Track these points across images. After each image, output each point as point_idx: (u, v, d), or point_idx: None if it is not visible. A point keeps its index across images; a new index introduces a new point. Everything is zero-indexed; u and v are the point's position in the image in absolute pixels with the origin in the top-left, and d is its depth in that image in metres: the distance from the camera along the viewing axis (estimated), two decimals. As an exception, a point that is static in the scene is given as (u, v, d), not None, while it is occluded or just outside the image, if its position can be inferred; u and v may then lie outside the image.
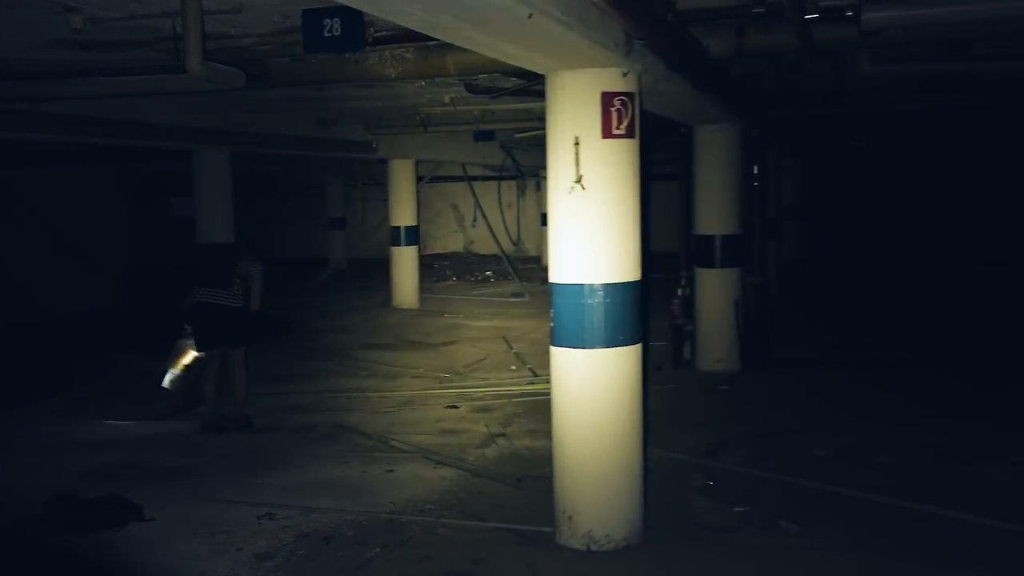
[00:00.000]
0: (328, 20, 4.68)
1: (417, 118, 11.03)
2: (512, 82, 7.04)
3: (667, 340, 9.32)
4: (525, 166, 18.25)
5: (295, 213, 23.24)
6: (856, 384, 8.29)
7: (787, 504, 5.27)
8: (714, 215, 8.94)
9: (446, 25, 3.30)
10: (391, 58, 5.56)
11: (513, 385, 8.45)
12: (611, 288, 4.55)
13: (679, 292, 9.13)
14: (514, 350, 10.16)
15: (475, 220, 21.94)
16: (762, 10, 4.84)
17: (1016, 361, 8.90)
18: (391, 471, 6.10)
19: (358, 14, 4.62)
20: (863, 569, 4.42)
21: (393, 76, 5.66)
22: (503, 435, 6.88)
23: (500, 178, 21.65)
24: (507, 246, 22.61)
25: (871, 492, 5.40)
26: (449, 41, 3.68)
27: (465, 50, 4.77)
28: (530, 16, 3.18)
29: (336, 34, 4.69)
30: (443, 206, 23.77)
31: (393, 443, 6.72)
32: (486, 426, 7.12)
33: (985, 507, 5.08)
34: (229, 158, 10.87)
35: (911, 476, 5.75)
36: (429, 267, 19.12)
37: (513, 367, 9.34)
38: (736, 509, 5.21)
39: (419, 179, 15.56)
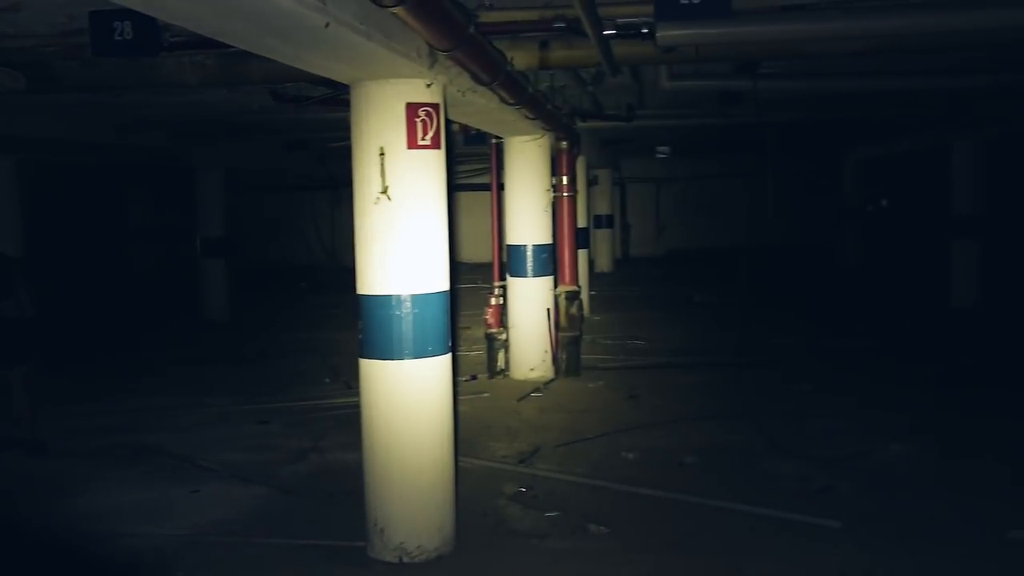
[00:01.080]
0: (119, 23, 4.47)
1: (225, 126, 10.72)
2: (320, 91, 6.94)
3: (482, 349, 9.40)
4: (342, 176, 18.01)
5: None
6: (665, 386, 8.58)
7: (597, 507, 5.40)
8: (525, 225, 9.09)
9: (241, 33, 3.22)
10: (190, 64, 5.38)
11: (327, 398, 8.31)
12: (419, 299, 4.54)
13: (492, 302, 9.22)
14: (329, 362, 10.00)
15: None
16: (563, 25, 4.96)
17: (806, 362, 9.47)
18: (196, 491, 5.88)
19: (151, 18, 4.45)
20: (665, 566, 4.57)
21: (193, 83, 5.47)
22: (315, 449, 6.75)
23: (315, 188, 21.33)
24: (322, 257, 22.29)
25: (676, 492, 5.60)
26: (247, 49, 3.58)
27: (270, 58, 4.68)
28: (327, 26, 3.14)
29: (128, 38, 4.49)
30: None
31: (200, 462, 6.48)
32: (298, 441, 6.97)
33: (779, 502, 5.37)
34: (15, 165, 10.25)
35: (713, 475, 5.99)
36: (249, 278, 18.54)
37: (327, 380, 9.19)
38: (547, 514, 5.29)
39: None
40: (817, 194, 22.77)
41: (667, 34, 4.74)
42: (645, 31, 4.90)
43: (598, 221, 18.63)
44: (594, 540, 4.92)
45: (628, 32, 4.97)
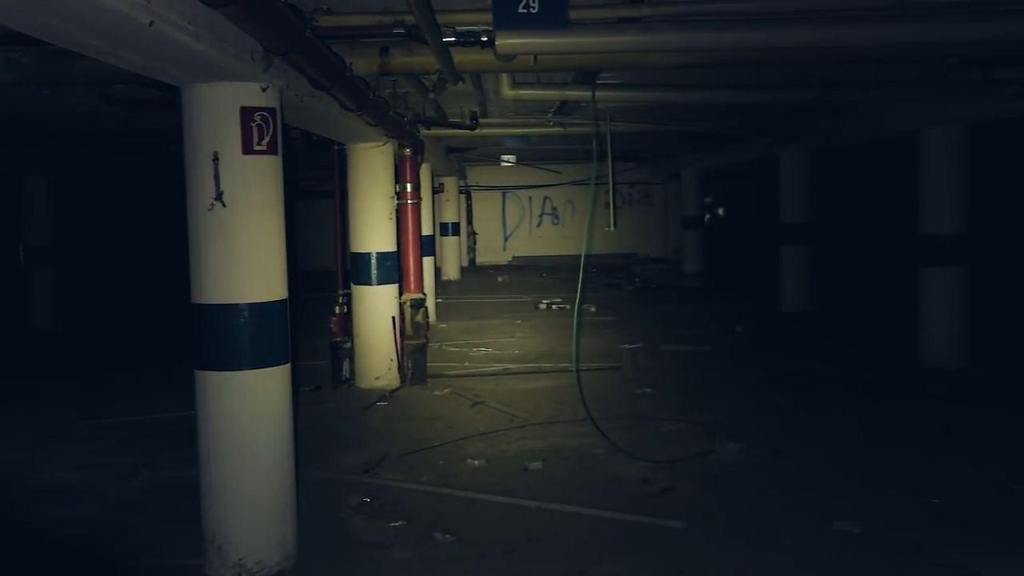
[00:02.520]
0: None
1: (51, 130, 10.19)
2: (151, 93, 6.68)
3: (327, 359, 9.24)
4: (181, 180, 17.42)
5: None
6: (512, 392, 8.64)
7: (442, 515, 5.38)
8: (369, 233, 9.00)
9: (57, 30, 3.04)
10: (5, 61, 5.07)
11: (164, 412, 7.99)
12: (256, 308, 4.42)
13: (337, 310, 9.08)
14: (169, 374, 9.62)
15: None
16: (403, 31, 4.93)
17: (648, 366, 9.71)
18: (17, 516, 5.55)
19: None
20: (508, 571, 4.59)
21: (8, 82, 5.16)
22: (150, 465, 6.48)
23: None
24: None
25: (521, 497, 5.64)
26: (65, 47, 3.39)
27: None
28: (151, 24, 3.02)
29: (-68, 32, 4.19)
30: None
31: (24, 483, 6.13)
32: (132, 457, 6.68)
33: (622, 504, 5.48)
34: None
35: (557, 479, 6.06)
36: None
37: (165, 392, 8.84)
38: (393, 524, 5.24)
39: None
40: (656, 203, 23.54)
41: (506, 42, 4.77)
42: (485, 39, 4.92)
43: (444, 229, 18.67)
44: (440, 548, 4.90)
45: (468, 40, 4.99)
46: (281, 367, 4.59)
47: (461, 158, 18.39)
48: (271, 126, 4.42)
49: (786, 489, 5.74)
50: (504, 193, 23.51)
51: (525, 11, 4.62)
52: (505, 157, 18.39)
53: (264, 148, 4.40)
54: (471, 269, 21.89)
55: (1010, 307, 12.43)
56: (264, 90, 4.37)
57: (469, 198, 23.10)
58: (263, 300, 4.44)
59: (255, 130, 4.34)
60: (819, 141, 11.92)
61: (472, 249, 23.33)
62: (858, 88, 7.44)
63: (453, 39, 5.00)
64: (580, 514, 5.36)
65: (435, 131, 10.45)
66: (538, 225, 23.75)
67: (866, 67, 7.03)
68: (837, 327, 12.09)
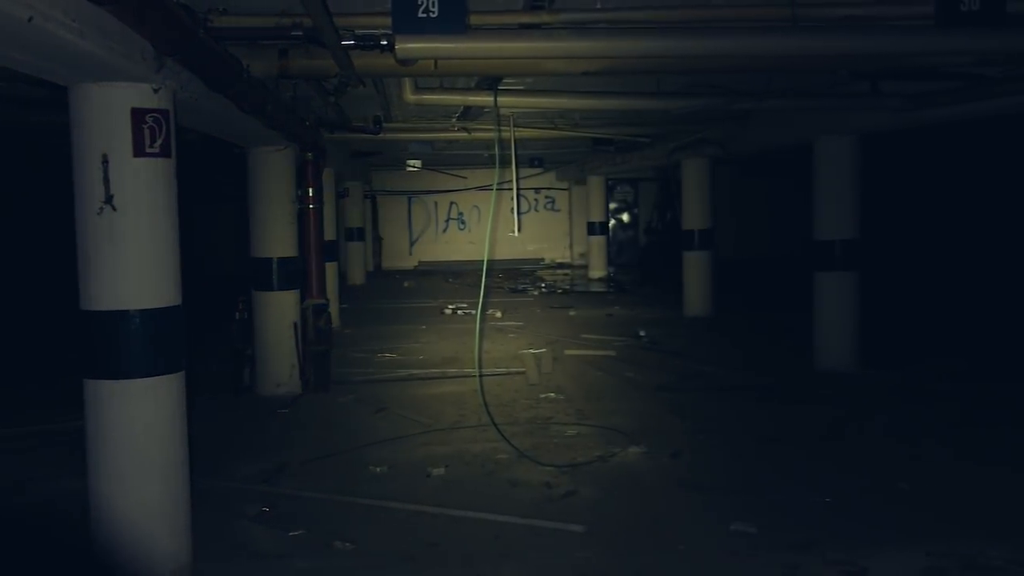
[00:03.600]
0: None
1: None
2: (40, 93, 6.47)
3: (228, 365, 9.06)
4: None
5: None
6: (415, 398, 8.59)
7: (343, 523, 5.31)
8: (270, 238, 8.85)
9: (-74, 24, 2.91)
10: None
11: (52, 423, 7.71)
12: (148, 314, 4.30)
13: (237, 316, 8.91)
14: (62, 385, 9.30)
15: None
16: (300, 33, 4.87)
17: (553, 371, 9.76)
18: None
19: None
20: (411, 579, 4.58)
21: None
22: (34, 479, 6.25)
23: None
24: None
25: (423, 504, 5.60)
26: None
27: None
28: (30, 20, 2.91)
29: None
30: None
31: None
32: (17, 471, 6.43)
33: (524, 509, 5.49)
34: None
35: (460, 485, 6.04)
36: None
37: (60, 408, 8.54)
38: (291, 533, 5.15)
39: None
40: (562, 209, 23.75)
41: (405, 47, 4.74)
42: (384, 43, 4.89)
43: (349, 234, 18.51)
44: (339, 557, 4.83)
45: (367, 43, 4.94)
46: (174, 375, 4.48)
47: (366, 163, 18.25)
48: (164, 128, 4.31)
49: (686, 491, 5.83)
50: (410, 198, 23.44)
51: (424, 15, 4.60)
52: (410, 162, 18.31)
53: (157, 151, 4.29)
54: (377, 274, 21.73)
55: (900, 311, 12.89)
56: (156, 91, 4.26)
57: (375, 203, 22.95)
58: (155, 306, 4.32)
59: (147, 132, 4.23)
60: (717, 149, 12.17)
61: (378, 254, 23.18)
62: (752, 97, 7.61)
63: (352, 42, 4.95)
64: (482, 519, 5.35)
65: (338, 135, 10.35)
66: (444, 230, 23.75)
67: (761, 77, 7.20)
68: (738, 331, 12.35)
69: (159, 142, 4.29)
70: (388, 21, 4.77)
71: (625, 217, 23.53)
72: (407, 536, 5.12)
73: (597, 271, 20.23)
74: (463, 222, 23.68)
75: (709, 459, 6.52)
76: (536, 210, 23.76)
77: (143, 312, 4.29)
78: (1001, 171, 18.82)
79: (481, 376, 8.58)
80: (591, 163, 19.13)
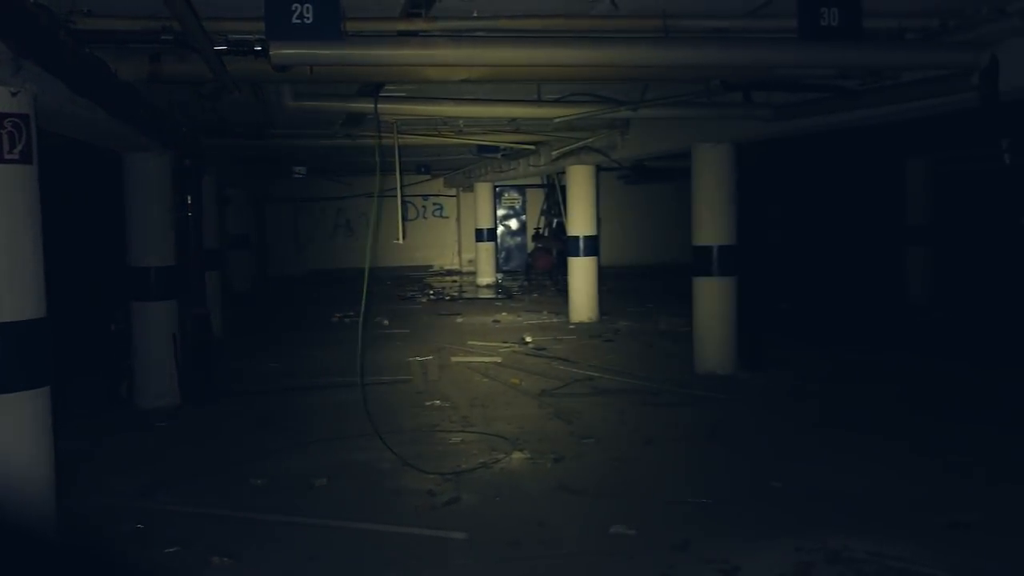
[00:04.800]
0: None
1: None
2: None
3: (105, 379, 8.78)
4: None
5: None
6: (300, 409, 8.49)
7: (222, 539, 5.18)
8: (148, 246, 8.60)
9: None
10: None
11: None
12: (7, 327, 4.14)
13: (112, 327, 8.63)
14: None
15: None
16: (171, 38, 4.75)
17: (440, 377, 9.74)
18: None
19: None
20: (289, 593, 4.51)
21: None
22: None
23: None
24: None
25: (304, 515, 5.52)
26: None
27: None
28: None
29: None
30: None
31: None
32: None
33: (407, 518, 5.47)
34: None
35: (343, 495, 5.98)
36: None
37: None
38: (167, 551, 5.01)
39: None
40: (450, 216, 23.80)
41: (280, 52, 4.68)
42: (258, 48, 4.81)
43: (234, 241, 18.13)
44: (217, 573, 4.73)
45: (241, 48, 4.86)
46: (39, 390, 4.32)
47: (251, 169, 17.89)
48: (24, 133, 4.16)
49: (568, 495, 5.89)
50: (297, 205, 23.11)
51: (299, 21, 4.55)
52: (296, 168, 18.08)
53: (16, 157, 4.14)
54: (264, 281, 21.34)
55: (776, 313, 13.31)
56: (14, 95, 4.11)
57: (262, 210, 22.54)
58: (13, 319, 4.16)
59: (5, 138, 4.08)
60: (599, 157, 12.36)
61: (265, 261, 22.77)
62: (630, 106, 7.76)
63: (225, 47, 4.86)
64: (365, 530, 5.31)
65: (219, 141, 10.15)
66: (332, 236, 23.48)
67: (637, 87, 7.36)
68: (623, 336, 12.55)
69: (19, 148, 4.14)
70: (262, 26, 4.70)
71: (513, 223, 23.68)
72: (288, 549, 5.04)
73: (485, 277, 20.30)
74: (351, 228, 23.47)
75: (591, 463, 6.60)
76: (424, 217, 23.72)
77: (2, 326, 4.13)
78: (868, 178, 19.64)
79: (366, 385, 8.50)
80: (478, 169, 19.21)
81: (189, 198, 8.86)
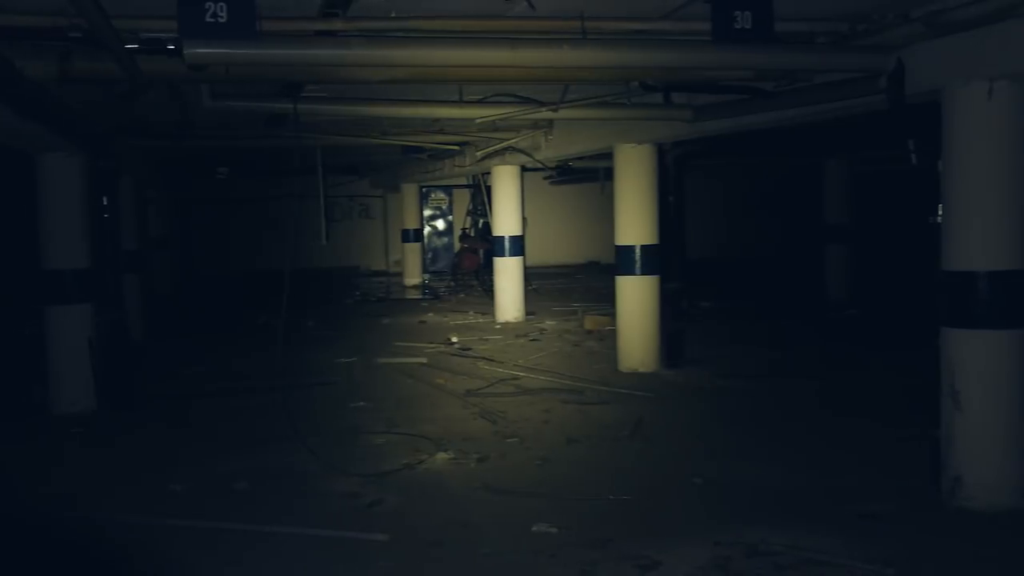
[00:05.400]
0: None
1: None
2: None
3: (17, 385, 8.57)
4: None
5: None
6: (222, 412, 8.37)
7: (141, 547, 5.10)
8: (61, 248, 8.40)
9: None
10: None
11: None
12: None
13: (25, 331, 8.42)
14: None
15: None
16: (79, 35, 4.65)
17: (364, 378, 9.70)
18: None
19: None
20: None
21: None
22: None
23: None
24: None
25: (226, 520, 5.45)
26: None
27: None
28: None
29: None
30: None
31: None
32: None
33: (329, 521, 5.43)
34: None
35: (264, 499, 5.92)
36: None
37: None
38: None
39: None
40: (377, 217, 23.70)
41: (194, 52, 4.60)
42: (172, 47, 4.73)
43: (157, 243, 17.76)
44: (130, 582, 4.65)
45: (154, 48, 4.77)
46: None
47: (172, 170, 17.56)
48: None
49: (491, 495, 5.90)
50: (223, 205, 22.71)
51: (213, 20, 4.48)
52: (220, 169, 17.82)
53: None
54: (189, 283, 20.93)
55: (697, 312, 13.52)
56: (-87, 94, 3.98)
57: (187, 210, 22.11)
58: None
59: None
60: (523, 157, 12.41)
61: (190, 262, 22.34)
62: (551, 107, 7.81)
63: (137, 46, 4.76)
64: (286, 534, 5.25)
65: (137, 142, 9.95)
66: (258, 237, 23.09)
67: (558, 87, 7.40)
68: (554, 336, 12.61)
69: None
70: (175, 24, 4.62)
71: (440, 224, 23.65)
72: (209, 556, 4.97)
73: (412, 278, 20.24)
74: (277, 230, 23.12)
75: (515, 462, 6.62)
76: (351, 218, 23.53)
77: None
78: (792, 178, 20.07)
79: (290, 388, 8.44)
80: (404, 170, 19.14)
81: (105, 199, 8.67)
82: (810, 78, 6.31)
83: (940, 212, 5.44)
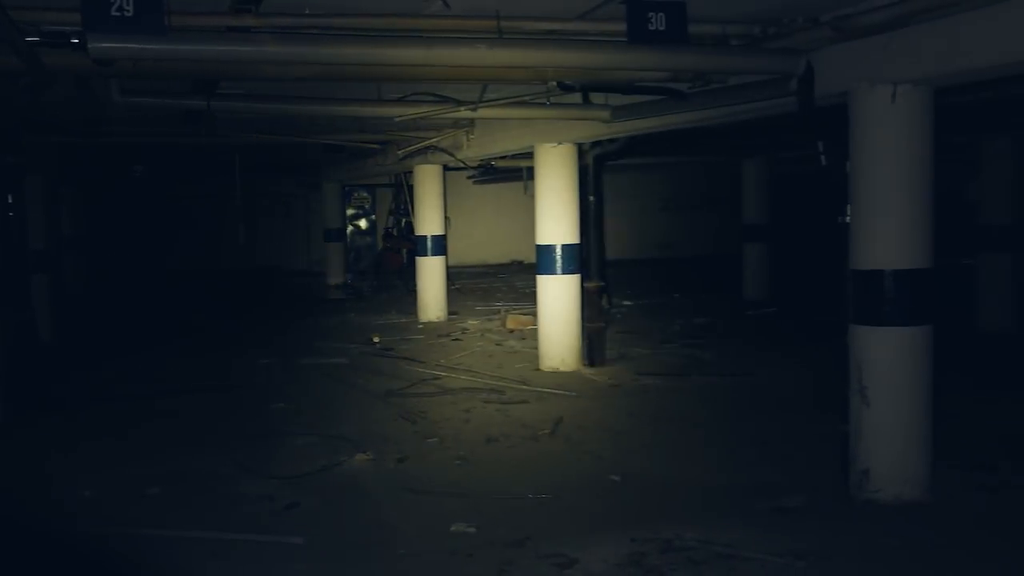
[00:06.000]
0: None
1: None
2: None
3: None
4: None
5: None
6: (140, 416, 8.18)
7: (48, 556, 4.97)
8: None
9: None
10: None
11: None
12: None
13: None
14: None
15: None
16: (-26, 27, 4.48)
17: (283, 381, 9.60)
18: None
19: None
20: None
21: None
22: None
23: None
24: None
25: (136, 526, 5.34)
26: None
27: None
28: None
29: None
30: None
31: None
32: None
33: (244, 525, 5.37)
34: None
35: (177, 504, 5.80)
36: None
37: None
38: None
39: None
40: (297, 215, 23.44)
41: (99, 46, 4.48)
42: (75, 41, 4.59)
43: (69, 242, 17.29)
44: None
45: (56, 41, 4.62)
46: None
47: (88, 168, 17.10)
48: None
49: (410, 495, 5.87)
50: (141, 204, 22.19)
51: (119, 14, 4.36)
52: (136, 167, 17.44)
53: None
54: (106, 283, 20.42)
55: (618, 311, 13.63)
56: None
57: (104, 209, 21.53)
58: None
59: None
60: (445, 156, 12.39)
61: (107, 262, 21.77)
62: (469, 106, 7.80)
63: (38, 39, 4.61)
64: (201, 538, 5.16)
65: (45, 138, 9.66)
66: (177, 237, 22.66)
67: (477, 86, 7.39)
68: (476, 336, 12.60)
69: None
70: (79, 17, 4.49)
71: (363, 223, 23.49)
72: (122, 562, 4.86)
73: (335, 278, 20.03)
74: (196, 228, 22.73)
75: (434, 462, 6.61)
76: (271, 216, 23.20)
77: None
78: (713, 179, 20.33)
79: (205, 390, 8.31)
80: (325, 169, 18.92)
81: (9, 197, 8.41)
82: (724, 80, 6.40)
83: (849, 212, 5.57)
